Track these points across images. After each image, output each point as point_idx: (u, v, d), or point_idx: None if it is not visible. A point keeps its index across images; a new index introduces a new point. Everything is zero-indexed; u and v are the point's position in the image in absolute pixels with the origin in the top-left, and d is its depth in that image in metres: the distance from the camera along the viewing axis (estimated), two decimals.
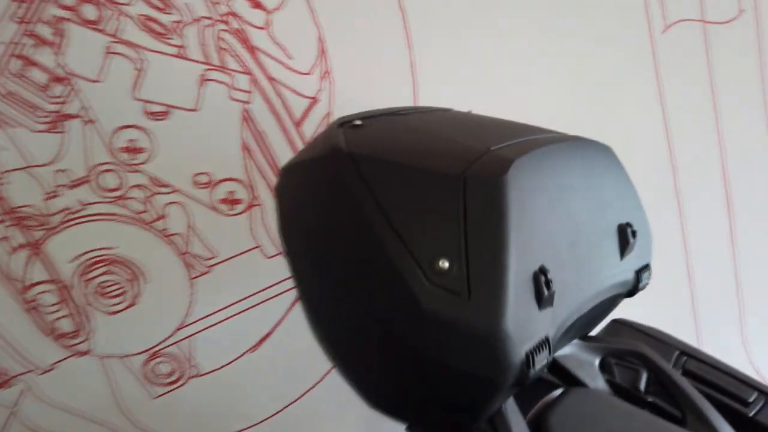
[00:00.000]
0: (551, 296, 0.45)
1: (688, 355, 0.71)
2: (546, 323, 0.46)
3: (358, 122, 0.54)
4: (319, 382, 0.94)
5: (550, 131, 0.59)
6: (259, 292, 0.89)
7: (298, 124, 0.84)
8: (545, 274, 0.45)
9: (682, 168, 0.93)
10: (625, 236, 0.58)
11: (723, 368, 0.69)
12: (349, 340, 0.49)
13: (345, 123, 0.55)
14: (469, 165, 0.45)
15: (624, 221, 0.58)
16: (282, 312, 0.90)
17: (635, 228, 0.58)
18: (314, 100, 0.84)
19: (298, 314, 0.93)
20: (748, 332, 1.02)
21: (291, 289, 0.89)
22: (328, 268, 0.49)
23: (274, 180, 0.85)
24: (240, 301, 0.88)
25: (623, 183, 0.60)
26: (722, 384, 0.66)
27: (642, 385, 0.65)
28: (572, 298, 0.51)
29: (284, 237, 0.55)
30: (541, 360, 0.44)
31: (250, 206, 0.86)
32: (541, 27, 0.88)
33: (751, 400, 0.64)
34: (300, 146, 0.85)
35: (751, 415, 0.62)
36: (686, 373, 0.67)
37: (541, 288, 0.44)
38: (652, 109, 0.91)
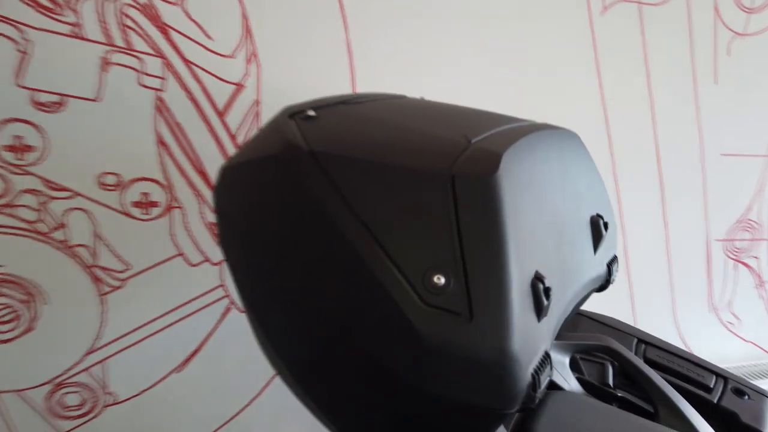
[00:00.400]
0: (548, 305, 0.40)
1: (646, 343, 0.70)
2: (544, 335, 0.41)
3: (311, 113, 0.46)
4: (255, 398, 0.85)
5: (517, 119, 0.54)
6: (184, 304, 0.78)
7: (221, 114, 0.74)
8: (542, 282, 0.40)
9: (618, 153, 0.93)
10: (598, 229, 0.54)
11: (680, 354, 0.68)
12: (320, 370, 0.42)
13: (295, 114, 0.46)
14: (453, 161, 0.39)
15: (595, 212, 0.55)
16: (211, 325, 0.80)
17: (606, 219, 0.55)
18: (239, 87, 0.74)
19: (230, 326, 0.84)
20: (678, 315, 1.05)
21: (221, 299, 0.80)
22: (289, 288, 0.41)
23: (195, 178, 0.75)
24: (161, 316, 0.78)
25: (593, 172, 0.57)
26: (684, 371, 0.65)
27: (610, 380, 0.63)
28: (560, 301, 0.46)
29: (226, 248, 0.46)
30: (545, 377, 0.39)
31: (169, 209, 0.75)
32: (480, 8, 0.84)
33: (712, 385, 0.64)
34: (225, 139, 0.75)
35: (715, 401, 0.62)
36: (647, 361, 0.66)
37: (540, 298, 0.39)
38: (591, 91, 0.90)
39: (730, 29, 0.94)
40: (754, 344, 1.10)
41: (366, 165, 0.39)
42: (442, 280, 0.35)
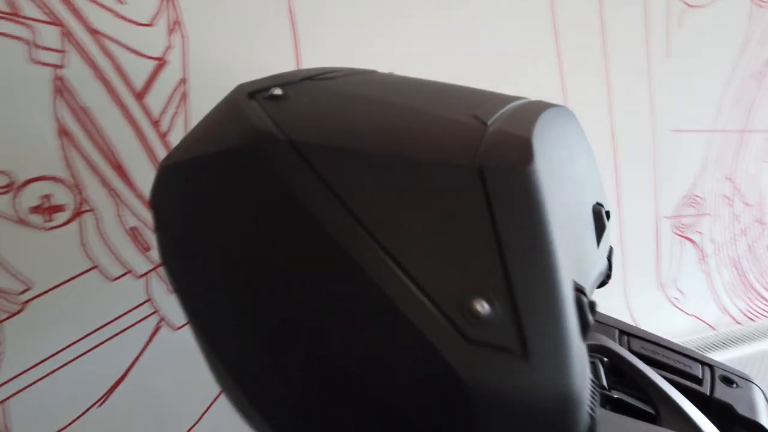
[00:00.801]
0: (593, 323, 0.33)
1: (628, 335, 0.66)
2: (586, 356, 0.34)
3: (278, 91, 0.36)
4: (193, 426, 0.74)
5: (508, 95, 0.46)
6: (104, 326, 0.65)
7: (140, 96, 0.61)
8: (585, 294, 0.33)
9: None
10: (601, 219, 0.48)
11: (661, 342, 0.65)
12: (308, 420, 0.33)
13: (256, 93, 0.36)
14: (475, 148, 0.31)
15: (595, 201, 0.49)
16: (138, 348, 0.68)
17: (606, 208, 0.49)
18: (161, 62, 0.61)
19: (161, 346, 0.72)
20: (630, 293, 1.03)
21: (149, 316, 0.67)
22: (266, 321, 0.31)
23: (109, 174, 0.62)
24: (75, 343, 0.64)
25: (590, 155, 0.51)
26: (671, 363, 0.62)
27: (604, 381, 0.58)
28: None
29: (172, 269, 0.35)
30: (596, 409, 0.32)
31: (78, 213, 0.61)
32: None
33: (701, 375, 0.61)
34: (145, 126, 0.62)
35: (708, 394, 0.59)
36: (635, 355, 0.62)
37: (586, 315, 0.32)
38: (549, 65, 0.84)
39: (683, 1, 0.92)
40: (697, 317, 1.11)
41: (365, 158, 0.30)
42: (486, 307, 0.27)
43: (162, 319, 0.68)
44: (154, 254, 0.66)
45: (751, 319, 1.17)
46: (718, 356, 1.05)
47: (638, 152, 0.96)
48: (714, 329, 1.14)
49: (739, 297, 1.16)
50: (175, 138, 0.63)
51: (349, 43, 0.70)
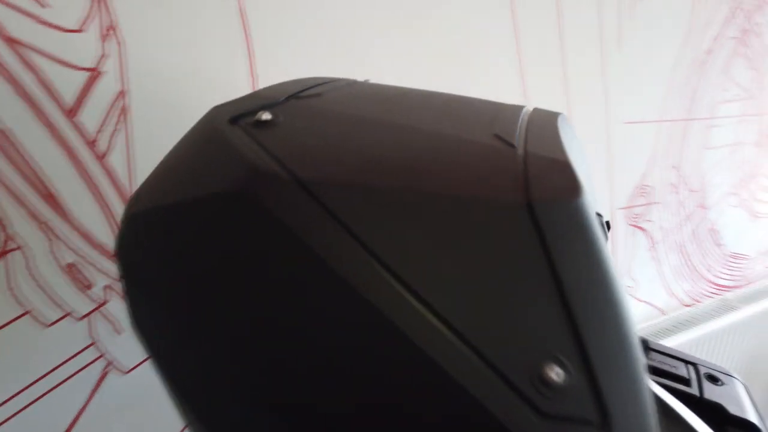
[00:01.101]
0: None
1: None
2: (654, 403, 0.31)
3: (266, 116, 0.30)
4: None
5: (507, 105, 0.42)
6: (42, 377, 0.57)
7: (71, 113, 0.53)
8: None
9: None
10: (604, 231, 0.45)
11: (644, 343, 0.64)
12: None
13: (239, 118, 0.30)
14: (515, 179, 0.27)
15: (596, 212, 0.46)
16: (83, 398, 0.60)
17: (606, 218, 0.47)
18: (95, 73, 0.53)
19: (110, 393, 0.64)
20: None
21: (95, 361, 0.59)
22: (287, 394, 0.26)
23: (39, 205, 0.53)
24: (11, 398, 0.55)
25: (586, 161, 0.48)
26: (657, 365, 0.61)
27: None
28: None
29: (148, 327, 0.29)
30: None
31: (4, 253, 0.52)
32: None
33: (687, 376, 0.60)
34: (79, 147, 0.54)
35: (698, 395, 0.58)
36: None
37: (643, 356, 0.29)
38: (511, 64, 0.81)
39: None
40: (649, 303, 1.14)
41: (392, 198, 0.25)
42: (560, 374, 0.23)
43: (110, 363, 0.60)
44: (97, 292, 0.58)
45: (697, 301, 1.21)
46: (670, 342, 1.08)
47: (594, 146, 0.95)
48: (664, 314, 1.17)
49: (685, 280, 1.19)
50: (116, 160, 0.55)
51: (308, 47, 0.64)
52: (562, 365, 0.23)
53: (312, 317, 0.24)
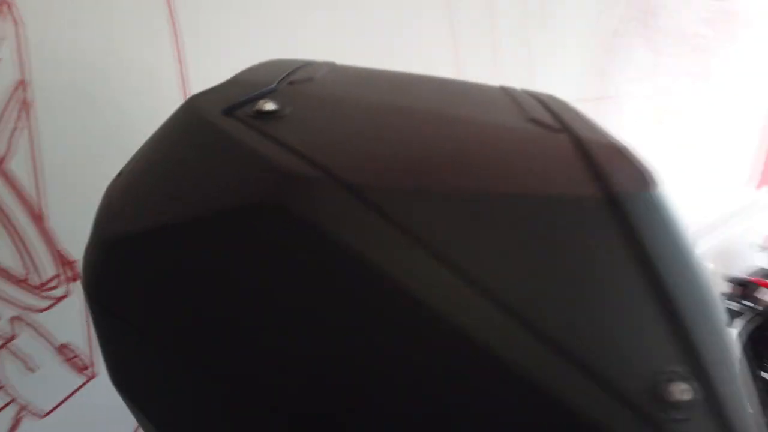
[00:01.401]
0: None
1: None
2: None
3: (269, 106, 0.24)
4: None
5: (500, 86, 0.39)
6: None
7: None
8: None
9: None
10: None
11: None
12: None
13: (234, 109, 0.24)
14: (583, 169, 0.23)
15: None
16: None
17: None
18: None
19: None
20: None
21: (4, 407, 0.49)
22: None
23: None
24: None
25: None
26: None
27: None
28: None
29: (134, 372, 0.23)
30: None
31: None
32: None
33: None
34: None
35: None
36: None
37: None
38: (444, 48, 0.78)
39: None
40: None
41: (460, 202, 0.21)
42: (685, 389, 0.20)
43: (23, 408, 0.51)
44: (2, 326, 0.48)
45: None
46: None
47: None
48: None
49: None
50: (18, 166, 0.45)
51: (241, 31, 0.56)
52: (688, 380, 0.20)
53: (391, 352, 0.19)
